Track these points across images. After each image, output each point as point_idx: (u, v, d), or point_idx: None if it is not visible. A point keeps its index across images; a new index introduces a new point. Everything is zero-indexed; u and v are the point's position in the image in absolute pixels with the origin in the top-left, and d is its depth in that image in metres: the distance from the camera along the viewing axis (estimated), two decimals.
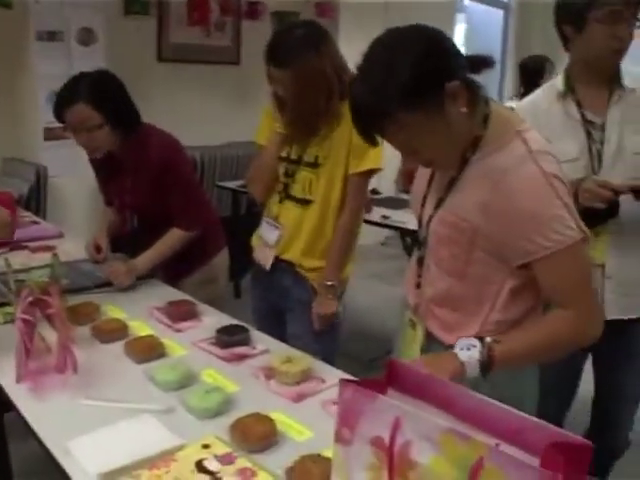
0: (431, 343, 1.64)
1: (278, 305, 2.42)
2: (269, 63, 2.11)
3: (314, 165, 2.23)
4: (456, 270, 1.52)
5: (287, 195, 2.30)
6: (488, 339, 1.42)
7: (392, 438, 0.92)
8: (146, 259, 2.47)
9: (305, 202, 2.27)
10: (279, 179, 2.32)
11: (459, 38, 7.55)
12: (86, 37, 4.49)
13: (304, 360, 1.77)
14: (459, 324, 1.57)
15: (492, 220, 1.42)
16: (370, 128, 1.43)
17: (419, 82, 1.32)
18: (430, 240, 1.59)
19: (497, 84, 7.76)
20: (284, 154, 2.29)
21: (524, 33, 7.74)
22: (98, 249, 2.63)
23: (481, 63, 1.43)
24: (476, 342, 1.42)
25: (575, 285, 1.43)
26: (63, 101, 2.31)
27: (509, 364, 1.44)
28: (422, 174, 1.68)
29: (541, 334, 1.46)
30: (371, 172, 2.23)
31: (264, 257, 2.37)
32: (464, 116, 1.38)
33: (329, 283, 2.26)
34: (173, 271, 2.61)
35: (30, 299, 1.64)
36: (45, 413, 1.54)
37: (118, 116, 2.36)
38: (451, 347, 1.48)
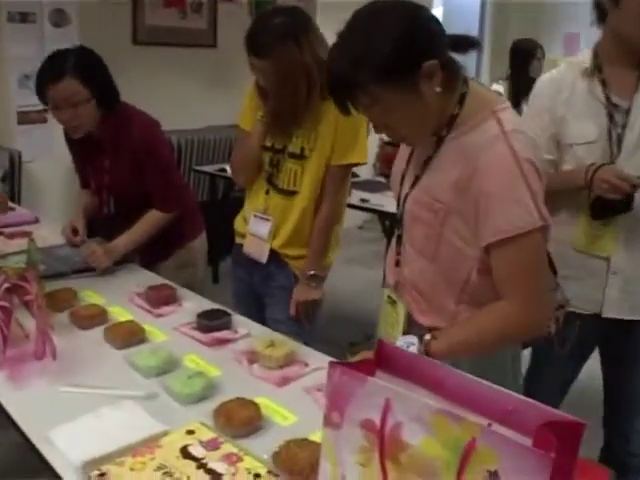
0: (411, 323, 1.64)
1: (259, 289, 2.40)
2: (249, 51, 2.06)
3: (300, 157, 2.19)
4: (428, 251, 1.52)
5: (273, 186, 2.26)
6: (427, 337, 1.44)
7: (383, 420, 0.90)
8: (124, 241, 2.44)
9: (290, 193, 2.24)
10: (263, 168, 2.28)
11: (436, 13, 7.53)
12: (59, 18, 4.39)
13: (287, 344, 1.75)
14: (431, 308, 1.57)
15: (462, 198, 1.41)
16: (343, 97, 1.41)
17: (398, 58, 1.32)
18: (406, 219, 1.59)
19: (474, 67, 7.75)
20: (268, 143, 2.25)
21: (501, 17, 7.73)
22: (75, 232, 2.58)
23: (466, 43, 1.43)
24: (415, 340, 1.44)
25: (522, 273, 1.41)
26: (49, 77, 2.26)
27: (448, 358, 1.37)
28: (402, 153, 1.67)
29: (478, 328, 1.47)
30: (354, 165, 2.22)
31: (259, 251, 2.32)
32: (438, 95, 1.37)
33: (311, 272, 2.24)
34: (151, 255, 2.57)
35: (7, 285, 1.61)
36: (24, 401, 1.50)
37: (102, 92, 2.34)
38: (429, 329, 1.51)
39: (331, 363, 0.97)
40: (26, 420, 1.42)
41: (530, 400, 0.90)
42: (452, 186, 1.42)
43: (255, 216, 2.31)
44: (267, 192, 2.28)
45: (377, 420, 0.91)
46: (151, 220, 2.47)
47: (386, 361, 1.04)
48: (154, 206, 2.47)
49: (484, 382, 0.94)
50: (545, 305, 1.48)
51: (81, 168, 2.70)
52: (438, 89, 1.36)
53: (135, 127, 2.41)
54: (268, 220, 2.27)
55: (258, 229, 2.31)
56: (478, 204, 1.38)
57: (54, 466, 1.26)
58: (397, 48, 1.31)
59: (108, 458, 1.19)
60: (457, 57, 1.44)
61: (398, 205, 1.64)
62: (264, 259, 2.30)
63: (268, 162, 2.26)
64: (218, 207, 4.94)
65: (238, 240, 2.44)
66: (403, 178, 1.61)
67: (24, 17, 4.26)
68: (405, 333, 1.61)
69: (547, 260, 1.48)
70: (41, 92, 2.30)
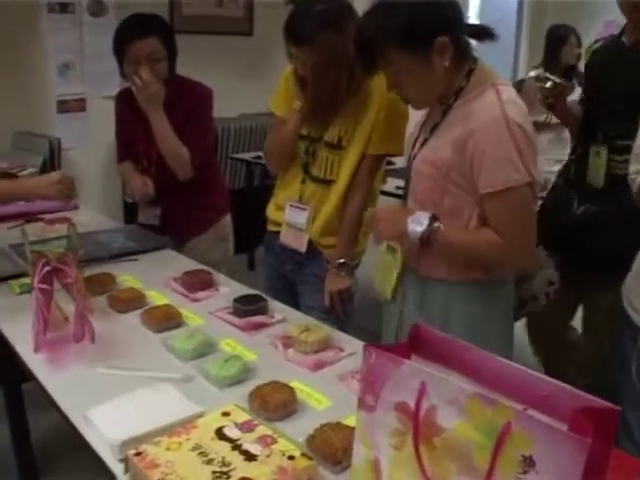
0: (406, 272, 1.84)
1: (291, 277, 2.40)
2: (288, 41, 2.03)
3: (337, 147, 2.18)
4: (432, 202, 1.71)
5: (308, 175, 2.26)
6: (436, 224, 1.66)
7: (417, 403, 0.89)
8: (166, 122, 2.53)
9: (326, 182, 2.23)
10: (299, 156, 2.27)
11: (474, 8, 7.42)
12: (97, 8, 4.44)
13: (322, 329, 1.75)
14: (429, 256, 1.74)
15: (460, 155, 1.62)
16: (365, 57, 1.68)
17: (414, 30, 1.58)
18: (412, 176, 1.80)
19: (512, 53, 7.64)
20: (304, 132, 2.23)
21: (540, 3, 7.59)
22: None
23: (483, 32, 1.68)
24: (426, 222, 1.65)
25: (511, 223, 1.61)
26: (134, 34, 2.44)
27: (440, 251, 1.70)
28: (415, 120, 1.91)
29: (476, 244, 1.69)
30: (390, 156, 2.23)
31: (298, 241, 2.31)
32: (446, 69, 1.62)
33: (341, 261, 2.24)
34: (187, 229, 2.63)
35: (47, 269, 1.63)
36: (64, 382, 1.53)
37: (173, 55, 2.58)
38: (425, 279, 1.79)
39: (366, 346, 0.97)
40: (65, 400, 1.45)
41: (565, 385, 0.89)
42: (452, 145, 1.64)
43: (291, 206, 2.30)
44: (303, 181, 2.27)
45: (412, 403, 0.90)
46: (183, 148, 2.54)
47: (421, 345, 1.03)
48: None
49: (520, 367, 0.93)
50: (528, 249, 1.69)
51: (125, 135, 2.75)
52: (446, 63, 1.60)
53: (193, 88, 2.62)
54: (305, 209, 2.26)
55: (296, 219, 2.29)
56: (473, 160, 1.60)
57: (92, 445, 1.28)
58: (414, 21, 1.57)
59: (145, 438, 1.20)
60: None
61: (407, 164, 1.84)
62: (303, 248, 2.29)
63: (304, 151, 2.24)
64: (254, 194, 4.97)
65: (270, 228, 2.44)
66: (415, 142, 1.83)
67: (64, 8, 4.33)
68: (401, 280, 1.85)
69: (534, 212, 1.70)
70: (122, 48, 2.47)
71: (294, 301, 2.34)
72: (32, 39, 4.31)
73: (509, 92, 1.62)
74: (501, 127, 1.55)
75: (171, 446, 1.15)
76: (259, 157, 4.70)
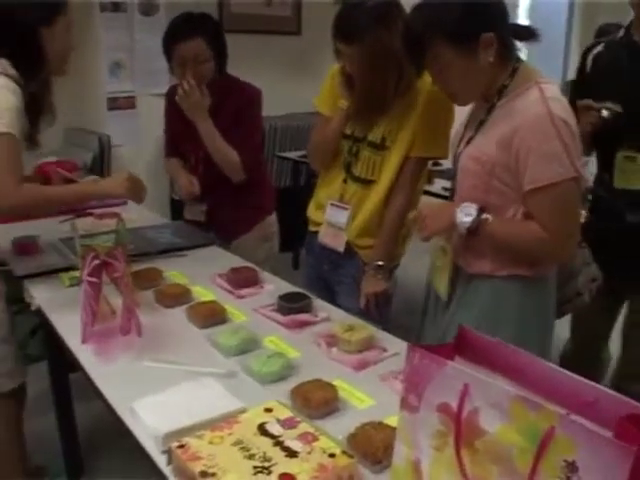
0: (458, 271, 1.87)
1: (328, 277, 2.40)
2: (337, 38, 2.02)
3: (380, 147, 2.17)
4: (477, 199, 1.72)
5: (350, 175, 2.25)
6: (484, 216, 1.68)
7: (460, 405, 0.89)
8: (211, 124, 2.56)
9: (367, 182, 2.23)
10: (342, 155, 2.27)
11: (523, 7, 7.33)
12: (148, 7, 4.52)
13: (366, 329, 1.75)
14: (475, 250, 1.78)
15: (505, 152, 1.64)
16: (413, 52, 1.72)
17: (462, 25, 1.62)
18: (458, 173, 1.82)
19: (562, 52, 7.53)
20: (348, 131, 2.23)
21: (592, 2, 7.45)
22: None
23: (525, 32, 1.72)
24: (474, 212, 1.68)
25: (556, 217, 1.64)
26: (179, 35, 2.47)
27: (486, 241, 1.73)
28: (460, 122, 1.93)
29: (521, 236, 1.70)
30: (434, 159, 2.26)
31: (336, 241, 2.30)
32: (491, 65, 1.65)
33: (379, 263, 2.23)
34: (234, 227, 2.67)
35: (96, 262, 1.66)
36: (110, 374, 1.56)
37: (221, 55, 2.59)
38: (472, 276, 1.82)
39: (410, 346, 0.97)
40: (111, 392, 1.48)
41: (612, 392, 0.88)
42: (498, 142, 1.66)
43: (332, 205, 2.30)
44: (345, 180, 2.26)
45: (454, 405, 0.90)
46: (232, 152, 2.57)
47: (466, 347, 1.03)
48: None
49: (566, 372, 0.93)
50: (572, 243, 1.74)
51: (175, 131, 2.79)
52: (491, 59, 1.64)
53: (242, 88, 2.64)
54: (346, 209, 2.26)
55: (336, 218, 2.29)
56: (518, 157, 1.62)
57: (137, 436, 1.30)
58: (462, 17, 1.61)
59: (188, 431, 1.22)
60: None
61: (454, 163, 1.87)
62: (341, 248, 2.29)
63: (347, 150, 2.24)
64: (300, 193, 4.98)
65: (311, 228, 2.44)
66: (460, 140, 1.86)
67: (116, 6, 4.42)
68: (452, 280, 1.89)
69: (578, 206, 1.73)
70: (169, 48, 2.50)
71: (333, 302, 2.33)
72: (85, 37, 4.39)
73: (553, 90, 1.64)
74: (546, 123, 1.57)
75: (213, 440, 1.17)
76: (305, 156, 4.72)
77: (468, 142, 1.79)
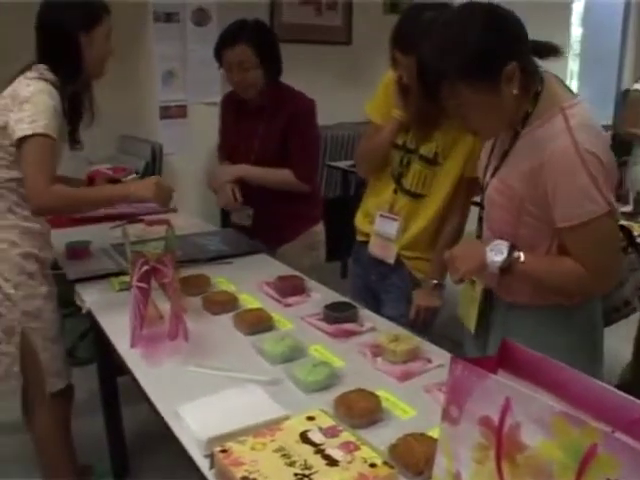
0: (492, 301, 1.81)
1: (375, 286, 2.40)
2: (395, 47, 2.01)
3: (433, 162, 2.16)
4: (506, 234, 1.65)
5: (400, 186, 2.24)
6: (515, 254, 1.59)
7: (501, 419, 0.89)
8: (254, 169, 2.64)
9: (417, 196, 2.22)
10: (392, 166, 2.26)
11: (575, 26, 7.24)
12: (200, 17, 4.60)
13: (412, 339, 1.75)
14: (512, 285, 1.69)
15: (533, 187, 1.55)
16: (429, 86, 1.56)
17: (481, 59, 1.46)
18: (486, 205, 1.74)
19: (617, 63, 7.39)
20: (399, 141, 2.22)
21: None
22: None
23: (547, 49, 1.58)
24: (505, 250, 1.59)
25: (593, 254, 1.54)
26: (226, 42, 2.54)
27: (520, 281, 1.65)
28: (486, 147, 1.82)
29: (556, 273, 1.61)
30: None
31: (386, 252, 2.29)
32: (515, 97, 1.51)
33: (435, 282, 2.23)
34: (278, 236, 2.69)
35: (146, 268, 1.70)
36: (157, 378, 1.60)
37: (270, 62, 2.60)
38: (511, 305, 1.75)
39: (453, 358, 0.97)
40: (157, 395, 1.51)
41: None
42: (524, 176, 1.57)
43: (382, 216, 2.29)
44: (395, 192, 2.25)
45: (496, 418, 0.90)
46: (283, 174, 2.63)
47: (509, 361, 1.02)
48: (292, 171, 2.63)
49: (611, 388, 0.92)
50: (612, 276, 1.62)
51: (231, 137, 2.84)
52: (515, 91, 1.50)
53: (295, 97, 2.67)
54: (396, 220, 2.25)
55: (385, 229, 2.28)
56: (547, 193, 1.53)
57: (181, 439, 1.33)
58: (480, 51, 1.46)
59: (231, 436, 1.24)
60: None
61: (482, 192, 1.78)
62: (391, 260, 2.28)
63: (398, 161, 2.23)
64: (350, 203, 4.98)
65: (358, 238, 2.43)
66: (486, 169, 1.76)
67: (169, 17, 4.51)
68: (482, 311, 1.82)
69: (617, 239, 1.62)
70: (217, 55, 2.58)
71: (379, 311, 2.29)
72: (138, 47, 4.50)
73: (579, 115, 1.51)
74: (571, 157, 1.46)
75: (256, 446, 1.18)
76: (355, 165, 4.73)
77: (494, 172, 1.70)
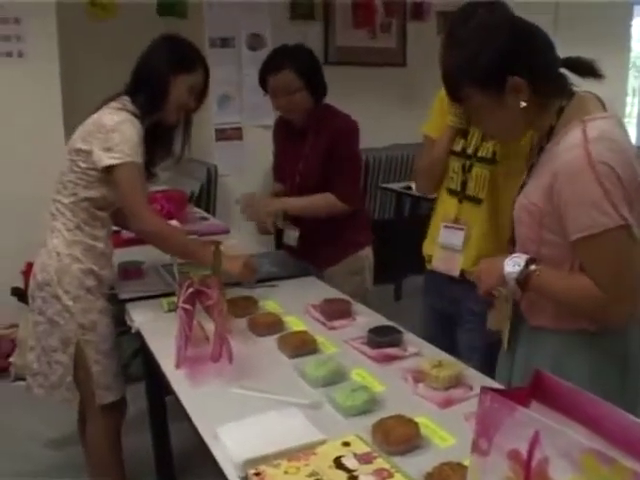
0: (518, 321, 1.77)
1: (450, 312, 2.30)
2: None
3: (491, 161, 2.10)
4: (531, 251, 1.62)
5: (464, 194, 2.18)
6: (532, 267, 1.57)
7: (530, 453, 0.87)
8: (294, 200, 2.66)
9: (477, 201, 2.15)
10: (454, 175, 2.20)
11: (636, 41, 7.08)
12: (255, 42, 4.71)
13: (455, 365, 1.73)
14: (536, 303, 1.68)
15: (550, 201, 1.54)
16: (447, 88, 1.69)
17: (483, 68, 1.54)
18: (515, 223, 1.72)
19: None
20: (458, 148, 2.18)
21: None
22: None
23: (582, 67, 1.58)
24: (522, 263, 1.58)
25: (606, 270, 1.49)
26: (270, 68, 2.60)
27: (539, 297, 1.64)
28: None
29: (573, 291, 1.57)
30: None
31: (450, 264, 2.21)
32: (526, 109, 1.56)
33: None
34: (322, 259, 2.69)
35: (191, 290, 1.74)
36: (199, 398, 1.62)
37: (314, 84, 2.64)
38: (535, 328, 1.71)
39: (483, 389, 0.96)
40: (198, 415, 1.54)
41: None
42: (543, 189, 1.56)
43: (446, 227, 2.21)
44: (460, 201, 2.19)
45: (524, 452, 0.88)
46: (324, 199, 2.64)
47: (543, 392, 1.01)
48: (332, 190, 2.64)
49: None
50: (628, 299, 1.52)
51: (280, 158, 2.90)
52: (523, 104, 1.55)
53: (338, 118, 2.70)
54: (461, 229, 2.17)
55: (450, 240, 2.20)
56: (559, 205, 1.52)
57: (218, 460, 1.34)
58: (483, 61, 1.54)
59: (266, 459, 1.25)
60: None
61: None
62: (456, 272, 2.18)
63: (460, 168, 2.18)
64: (404, 225, 4.98)
65: (428, 266, 2.32)
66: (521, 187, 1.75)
67: (224, 42, 4.63)
68: (516, 328, 1.78)
69: (633, 257, 1.51)
70: (262, 81, 2.65)
71: (452, 339, 2.25)
72: None
73: (599, 129, 1.49)
74: (583, 168, 1.45)
75: (289, 470, 1.19)
76: (409, 187, 4.72)
77: (521, 189, 1.70)
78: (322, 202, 2.65)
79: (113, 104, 2.20)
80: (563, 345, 1.67)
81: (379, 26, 5.42)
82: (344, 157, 2.65)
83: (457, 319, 2.29)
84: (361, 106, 5.16)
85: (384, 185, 5.30)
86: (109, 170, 2.11)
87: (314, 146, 2.66)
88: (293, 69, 2.56)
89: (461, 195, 2.19)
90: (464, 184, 2.18)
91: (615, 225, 1.45)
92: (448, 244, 2.21)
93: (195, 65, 2.27)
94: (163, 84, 2.21)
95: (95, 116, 2.20)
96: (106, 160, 2.09)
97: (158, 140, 2.35)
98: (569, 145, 1.50)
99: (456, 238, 2.19)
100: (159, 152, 2.40)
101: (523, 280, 1.59)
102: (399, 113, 5.28)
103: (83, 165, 2.16)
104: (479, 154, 2.13)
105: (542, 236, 1.61)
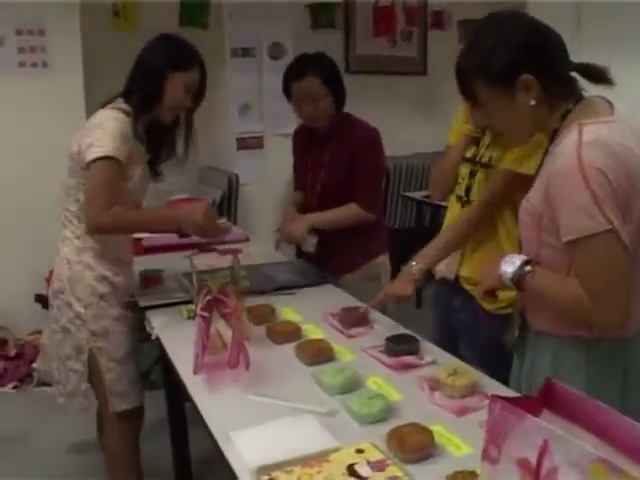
0: (524, 326, 1.77)
1: (452, 325, 2.33)
2: None
3: (487, 166, 2.12)
4: (532, 253, 1.63)
5: (468, 200, 2.20)
6: (527, 268, 1.58)
7: (539, 461, 0.88)
8: (318, 216, 2.66)
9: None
10: (462, 181, 2.22)
11: None
12: (276, 52, 4.74)
13: (471, 374, 1.73)
14: (536, 306, 1.68)
15: (547, 203, 1.53)
16: (461, 89, 1.65)
17: (492, 64, 1.54)
18: (519, 224, 1.72)
19: None
20: (469, 155, 2.19)
21: None
22: None
23: (592, 73, 1.58)
24: (517, 262, 1.59)
25: (592, 275, 1.48)
26: (294, 75, 2.63)
27: (531, 294, 1.65)
28: None
29: (560, 292, 1.57)
30: (525, 176, 2.11)
31: (449, 268, 2.26)
32: (535, 108, 1.55)
33: (419, 267, 2.16)
34: (337, 266, 2.71)
35: (209, 298, 1.76)
36: (216, 405, 1.63)
37: (337, 92, 2.67)
38: (537, 333, 1.70)
39: (493, 397, 0.96)
40: (214, 421, 1.55)
41: None
42: (541, 192, 1.57)
43: None
44: (463, 205, 2.22)
45: (533, 460, 0.89)
46: (348, 211, 2.66)
47: (554, 401, 1.01)
48: (355, 200, 2.66)
49: None
50: (614, 306, 1.49)
51: (301, 167, 2.91)
52: (533, 102, 1.54)
53: (360, 126, 2.72)
54: None
55: None
56: (553, 208, 1.52)
57: (232, 465, 1.36)
58: (493, 57, 1.54)
59: (279, 466, 1.26)
60: None
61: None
62: (452, 275, 2.24)
63: (467, 174, 2.20)
64: (424, 233, 4.96)
65: (437, 276, 2.36)
66: None
67: (245, 52, 4.67)
68: (521, 333, 1.78)
69: (621, 264, 1.48)
70: (286, 89, 2.66)
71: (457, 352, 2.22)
72: (216, 81, 4.64)
73: (596, 132, 1.48)
74: (573, 172, 1.44)
75: (302, 477, 1.20)
76: (429, 196, 4.71)
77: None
78: (348, 214, 2.67)
79: (108, 105, 2.20)
80: (560, 351, 1.66)
81: (400, 34, 5.43)
82: (367, 167, 2.66)
83: (457, 330, 2.32)
84: (381, 115, 5.16)
85: (405, 194, 5.30)
86: (88, 165, 2.09)
87: (336, 155, 2.68)
88: (317, 75, 2.59)
89: (464, 200, 2.21)
90: (468, 189, 2.20)
91: (602, 230, 1.43)
92: None
93: (191, 63, 2.25)
94: (159, 82, 2.19)
95: (90, 119, 2.21)
96: (89, 156, 2.08)
97: (159, 140, 2.35)
98: (564, 148, 1.50)
99: None
100: (162, 152, 2.39)
101: (517, 280, 1.60)
102: (419, 122, 5.29)
103: (78, 168, 2.16)
104: (483, 160, 2.15)
105: (541, 238, 1.60)
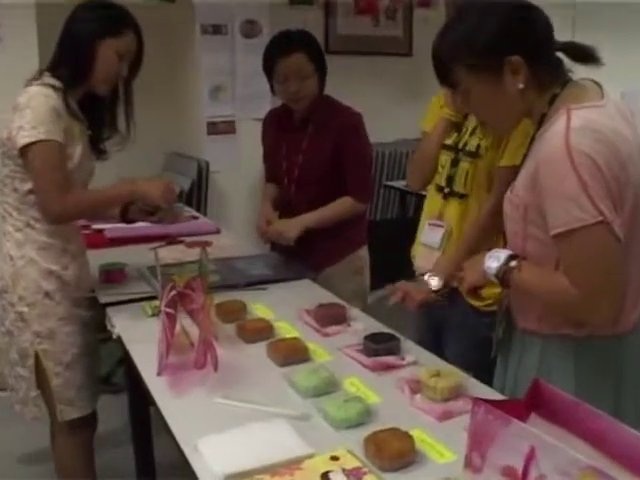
0: (510, 324, 1.78)
1: (437, 322, 2.34)
2: None
3: (474, 155, 2.12)
4: (517, 248, 1.63)
5: (451, 191, 2.20)
6: (513, 263, 1.58)
7: (525, 469, 0.87)
8: (313, 216, 2.65)
9: (463, 197, 2.17)
10: (442, 169, 2.22)
11: None
12: (250, 29, 4.67)
13: (455, 375, 1.72)
14: (522, 302, 1.69)
15: (533, 192, 1.53)
16: (439, 74, 1.64)
17: (479, 44, 1.52)
18: (504, 217, 1.71)
19: None
20: (450, 142, 2.20)
21: None
22: (268, 224, 2.76)
23: (584, 54, 1.56)
24: (502, 258, 1.60)
25: (581, 268, 1.47)
26: (280, 51, 2.60)
27: (517, 290, 1.66)
28: None
29: (546, 287, 1.56)
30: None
31: (429, 264, 2.22)
32: (522, 92, 1.54)
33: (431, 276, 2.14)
34: (320, 259, 2.71)
35: (174, 293, 1.73)
36: (180, 409, 1.62)
37: (322, 71, 2.68)
38: (523, 332, 1.71)
39: (475, 400, 0.96)
40: (179, 427, 1.53)
41: None
42: (527, 181, 1.56)
43: (429, 224, 2.27)
44: (444, 197, 2.22)
45: (519, 468, 0.88)
46: (343, 205, 2.67)
47: (543, 404, 1.01)
48: (349, 193, 2.67)
49: None
50: (605, 300, 1.48)
51: (273, 155, 2.88)
52: (521, 85, 1.52)
53: (343, 111, 2.71)
54: (440, 226, 2.21)
55: (431, 238, 2.25)
56: (541, 198, 1.50)
57: (198, 474, 1.34)
58: (479, 36, 1.51)
59: (248, 474, 1.25)
60: None
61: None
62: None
63: (449, 163, 2.19)
64: (407, 225, 4.96)
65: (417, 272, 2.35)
66: None
67: (217, 29, 4.59)
68: (509, 330, 1.78)
69: (611, 256, 1.48)
70: (270, 67, 2.63)
71: (440, 349, 2.24)
72: (185, 61, 4.62)
73: (585, 117, 1.47)
74: (562, 159, 1.43)
75: None
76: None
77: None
78: (344, 209, 2.69)
79: (34, 83, 2.11)
80: (547, 351, 1.66)
81: (383, 12, 5.40)
82: (356, 156, 2.68)
83: (443, 329, 2.32)
84: (364, 98, 5.13)
85: (388, 183, 5.30)
86: (23, 151, 2.03)
87: (316, 139, 2.67)
88: (304, 52, 2.59)
89: (447, 191, 2.21)
90: (450, 179, 2.20)
91: (592, 221, 1.42)
92: (428, 242, 2.26)
93: (123, 27, 2.15)
94: (88, 51, 2.11)
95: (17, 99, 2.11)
96: (20, 140, 2.01)
97: (99, 116, 2.28)
98: (551, 134, 1.48)
99: (435, 235, 2.24)
100: (103, 129, 2.32)
101: (502, 276, 1.61)
102: (404, 106, 5.26)
103: (11, 154, 2.09)
104: (467, 148, 2.15)
105: (527, 231, 1.60)
